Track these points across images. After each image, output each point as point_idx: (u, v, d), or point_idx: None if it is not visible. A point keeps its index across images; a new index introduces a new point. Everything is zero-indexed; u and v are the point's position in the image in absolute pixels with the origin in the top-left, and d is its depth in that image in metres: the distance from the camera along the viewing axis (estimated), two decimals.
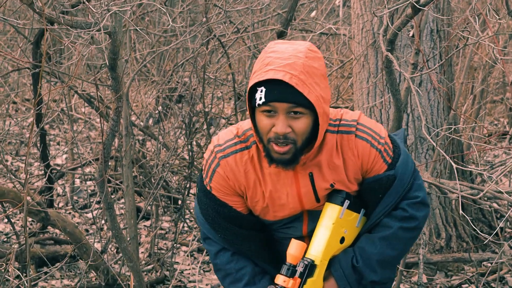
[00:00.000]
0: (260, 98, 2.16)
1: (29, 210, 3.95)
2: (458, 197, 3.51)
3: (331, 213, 2.33)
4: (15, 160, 6.47)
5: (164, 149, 5.23)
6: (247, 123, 2.35)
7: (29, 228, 4.92)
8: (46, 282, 4.46)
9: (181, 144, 5.33)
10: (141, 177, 5.08)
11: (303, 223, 2.39)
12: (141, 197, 5.54)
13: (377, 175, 2.33)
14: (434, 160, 4.47)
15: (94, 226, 5.18)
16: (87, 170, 6.27)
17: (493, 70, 6.50)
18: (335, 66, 5.70)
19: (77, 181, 6.23)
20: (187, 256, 4.82)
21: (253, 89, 2.19)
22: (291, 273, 2.27)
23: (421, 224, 2.40)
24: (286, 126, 2.17)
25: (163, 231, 5.28)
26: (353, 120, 2.31)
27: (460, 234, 4.70)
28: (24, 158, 6.21)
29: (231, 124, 6.27)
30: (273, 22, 6.20)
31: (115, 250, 4.83)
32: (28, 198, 3.88)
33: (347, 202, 2.32)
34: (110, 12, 2.88)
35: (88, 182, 6.01)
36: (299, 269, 2.28)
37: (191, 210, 5.22)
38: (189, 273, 4.67)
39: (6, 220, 4.92)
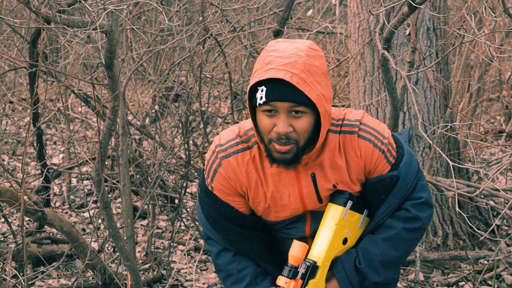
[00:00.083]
0: (261, 98, 2.13)
1: (26, 209, 3.95)
2: (455, 195, 3.53)
3: (333, 214, 2.30)
4: (12, 159, 6.47)
5: (161, 148, 5.23)
6: (248, 123, 2.32)
7: (26, 228, 4.92)
8: (43, 282, 4.46)
9: (178, 143, 5.32)
10: (137, 176, 5.07)
11: (306, 223, 2.37)
12: (138, 196, 5.54)
13: (380, 176, 2.30)
14: (430, 158, 4.48)
15: (91, 225, 5.18)
16: (84, 169, 6.26)
17: (490, 68, 6.51)
18: (331, 65, 5.70)
19: (74, 180, 6.23)
20: (184, 255, 4.82)
21: (254, 89, 2.17)
22: (293, 274, 2.24)
23: (425, 225, 2.37)
24: (288, 125, 2.14)
25: (160, 230, 5.28)
26: (356, 120, 2.28)
27: (457, 232, 4.71)
28: (20, 157, 6.20)
29: (227, 123, 6.28)
30: (270, 21, 6.20)
31: (112, 249, 4.82)
32: (25, 197, 3.88)
33: (350, 203, 2.30)
34: (107, 11, 2.88)
35: (85, 182, 6.00)
36: (301, 270, 2.25)
37: (188, 209, 5.22)
38: (186, 272, 4.67)
39: (3, 219, 4.91)
